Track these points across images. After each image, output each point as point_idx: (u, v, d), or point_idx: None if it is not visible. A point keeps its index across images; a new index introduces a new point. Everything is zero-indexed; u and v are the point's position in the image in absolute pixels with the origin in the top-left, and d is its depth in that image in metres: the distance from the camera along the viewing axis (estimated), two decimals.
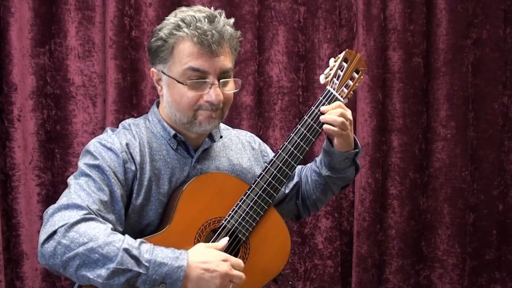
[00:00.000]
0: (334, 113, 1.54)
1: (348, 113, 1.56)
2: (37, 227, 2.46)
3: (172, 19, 1.49)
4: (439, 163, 2.79)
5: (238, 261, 1.40)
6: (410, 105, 2.75)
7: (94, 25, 2.49)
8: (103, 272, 1.28)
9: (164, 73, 1.51)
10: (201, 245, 1.40)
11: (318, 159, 1.73)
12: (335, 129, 1.54)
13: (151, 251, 1.31)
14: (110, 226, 1.36)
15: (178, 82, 1.47)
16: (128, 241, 1.31)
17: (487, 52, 2.77)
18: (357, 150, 1.64)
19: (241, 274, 1.38)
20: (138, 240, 1.34)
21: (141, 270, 1.29)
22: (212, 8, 1.51)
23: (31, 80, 2.44)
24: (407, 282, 2.80)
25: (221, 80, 1.48)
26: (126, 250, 1.29)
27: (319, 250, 2.76)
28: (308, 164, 1.81)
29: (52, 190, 2.49)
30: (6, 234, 2.42)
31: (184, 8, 1.53)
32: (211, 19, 1.46)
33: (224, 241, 1.44)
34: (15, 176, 2.40)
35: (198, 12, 1.47)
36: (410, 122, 2.76)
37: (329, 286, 2.76)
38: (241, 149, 1.71)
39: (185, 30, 1.45)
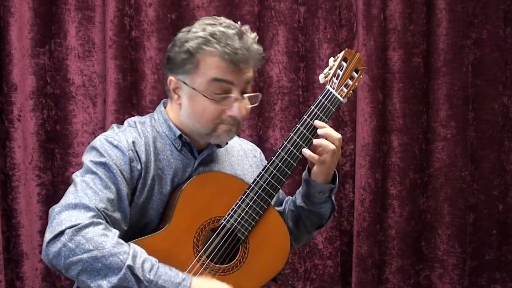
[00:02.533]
0: (330, 137, 1.52)
1: (338, 142, 1.53)
2: (37, 227, 2.46)
3: (200, 32, 1.46)
4: (439, 163, 2.79)
5: None
6: (410, 105, 2.75)
7: (94, 25, 2.50)
8: (104, 283, 1.28)
9: (187, 84, 1.48)
10: (209, 278, 1.40)
11: (298, 189, 1.70)
12: (318, 157, 1.52)
13: (154, 271, 1.30)
14: (117, 233, 1.35)
15: (204, 95, 1.46)
16: (132, 256, 1.30)
17: (487, 52, 2.77)
18: (334, 186, 1.61)
19: None
20: (143, 256, 1.32)
21: None
22: (238, 22, 1.49)
23: (31, 80, 2.44)
24: (407, 282, 2.80)
25: (244, 95, 1.48)
26: (129, 268, 1.28)
27: (319, 250, 2.76)
28: None
29: (52, 190, 2.49)
30: (6, 234, 2.42)
31: (211, 21, 1.50)
32: (240, 36, 1.45)
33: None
34: (15, 176, 2.40)
35: (227, 28, 1.45)
36: (410, 122, 2.75)
37: (329, 286, 2.76)
38: (242, 156, 1.71)
39: (216, 46, 1.43)
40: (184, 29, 1.52)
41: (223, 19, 1.51)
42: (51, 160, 2.50)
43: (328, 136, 1.52)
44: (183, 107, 1.52)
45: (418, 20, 2.73)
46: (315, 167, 1.56)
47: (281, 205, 1.77)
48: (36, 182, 2.47)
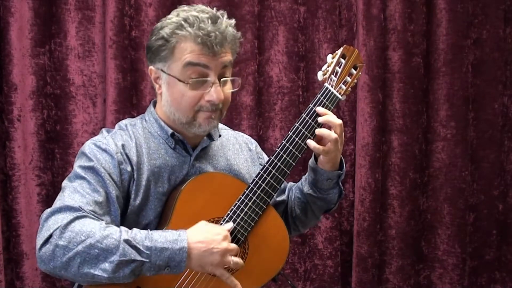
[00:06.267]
0: (331, 123, 1.52)
1: (339, 129, 1.53)
2: (37, 227, 2.42)
3: (174, 18, 1.48)
4: (439, 163, 2.79)
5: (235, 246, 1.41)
6: (410, 105, 2.75)
7: (94, 25, 2.50)
8: (107, 265, 1.28)
9: (164, 72, 1.49)
10: (202, 223, 1.40)
11: (304, 176, 1.70)
12: (322, 147, 1.52)
13: (150, 238, 1.31)
14: (104, 221, 1.36)
15: (179, 80, 1.46)
16: (125, 231, 1.32)
17: (487, 52, 2.76)
18: (341, 172, 1.62)
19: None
20: (134, 229, 1.34)
21: (143, 259, 1.29)
22: (214, 8, 1.50)
23: (31, 80, 2.44)
24: (407, 282, 2.80)
25: (221, 79, 1.48)
26: (126, 241, 1.29)
27: (319, 250, 2.76)
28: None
29: (52, 190, 2.49)
30: (6, 234, 2.43)
31: (186, 7, 1.52)
32: (214, 20, 1.45)
33: (229, 225, 1.44)
34: (15, 176, 2.41)
35: (201, 12, 1.46)
36: (410, 122, 2.75)
37: (329, 286, 2.76)
38: (238, 149, 1.70)
39: (189, 29, 1.43)
40: (162, 19, 1.52)
41: (199, 6, 1.52)
42: (51, 160, 2.50)
43: (329, 123, 1.52)
44: (163, 96, 1.52)
45: (418, 20, 2.73)
46: (321, 156, 1.57)
47: (283, 193, 1.77)
48: (36, 182, 2.47)
